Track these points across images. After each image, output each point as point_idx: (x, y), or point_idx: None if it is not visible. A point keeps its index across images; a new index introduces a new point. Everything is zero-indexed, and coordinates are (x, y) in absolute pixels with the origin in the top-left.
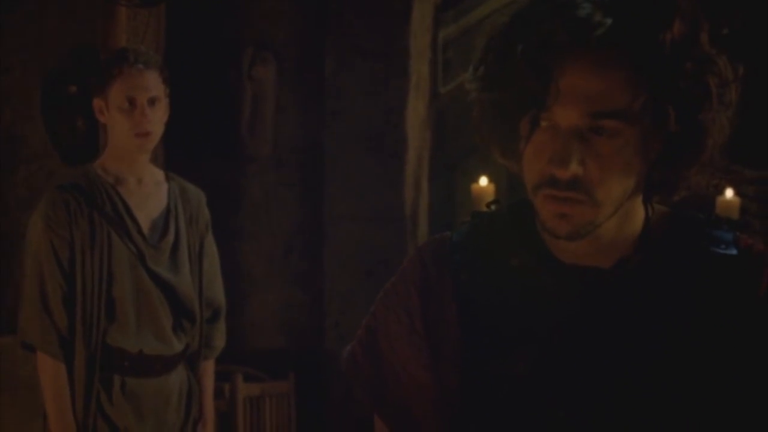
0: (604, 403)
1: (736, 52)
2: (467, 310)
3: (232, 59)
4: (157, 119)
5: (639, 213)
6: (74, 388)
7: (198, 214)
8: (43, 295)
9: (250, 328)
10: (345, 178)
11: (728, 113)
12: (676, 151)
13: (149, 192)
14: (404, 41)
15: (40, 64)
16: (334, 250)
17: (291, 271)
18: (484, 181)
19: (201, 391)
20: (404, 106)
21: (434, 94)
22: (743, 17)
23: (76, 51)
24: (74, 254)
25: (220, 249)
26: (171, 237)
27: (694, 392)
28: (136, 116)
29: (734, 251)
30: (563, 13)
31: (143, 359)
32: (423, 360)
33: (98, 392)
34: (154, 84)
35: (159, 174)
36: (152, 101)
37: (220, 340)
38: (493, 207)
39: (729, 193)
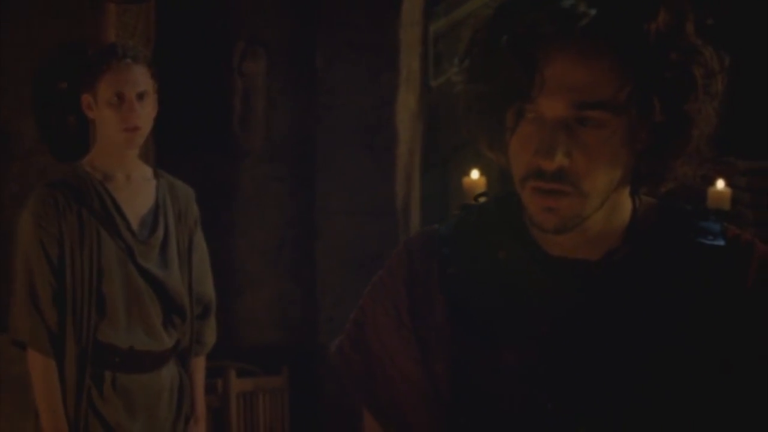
0: (593, 395)
1: (725, 43)
2: (455, 303)
3: (222, 54)
4: (146, 114)
5: (626, 205)
6: (65, 385)
7: (187, 211)
8: (32, 292)
9: (243, 323)
10: (337, 172)
11: (714, 104)
12: (662, 142)
13: (138, 188)
14: (394, 35)
15: (31, 61)
16: (326, 244)
17: (283, 266)
18: (475, 174)
19: (192, 387)
20: (395, 100)
21: (425, 88)
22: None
23: (66, 48)
24: (63, 251)
25: (212, 244)
26: (160, 233)
27: (683, 383)
28: (125, 111)
29: (722, 242)
30: (548, 4)
31: (134, 355)
32: (411, 353)
33: (89, 388)
34: (142, 79)
35: (147, 170)
36: (141, 96)
37: (210, 337)
38: (481, 200)
39: (720, 184)
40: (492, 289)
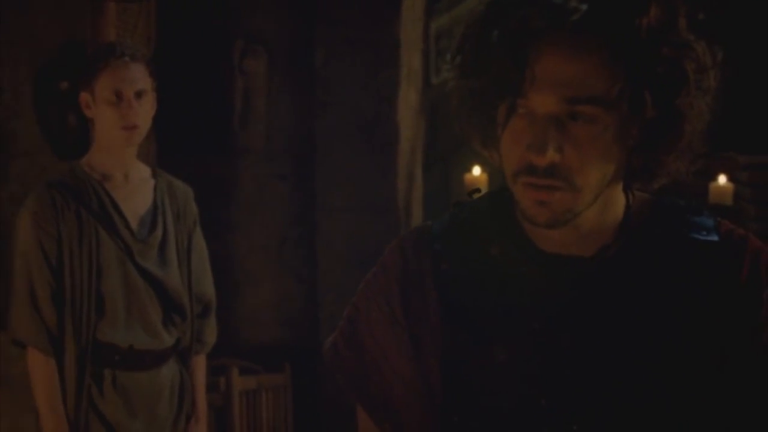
0: (586, 391)
1: (726, 39)
2: (447, 300)
3: (222, 52)
4: (144, 112)
5: (620, 201)
6: (65, 384)
7: (185, 210)
8: (31, 292)
9: (244, 321)
10: (338, 170)
11: (707, 99)
12: (654, 137)
13: (136, 188)
14: (394, 31)
15: (30, 60)
16: (327, 241)
17: (285, 264)
18: (477, 170)
19: (193, 386)
20: (396, 97)
21: (427, 85)
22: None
23: (66, 46)
24: (62, 250)
25: (213, 242)
26: (159, 232)
27: (678, 379)
28: (123, 109)
29: (715, 237)
30: (539, 0)
31: (133, 354)
32: (404, 350)
33: (89, 387)
34: (140, 77)
35: (146, 170)
36: (139, 94)
37: (211, 336)
38: (474, 196)
39: (722, 179)
40: (485, 286)
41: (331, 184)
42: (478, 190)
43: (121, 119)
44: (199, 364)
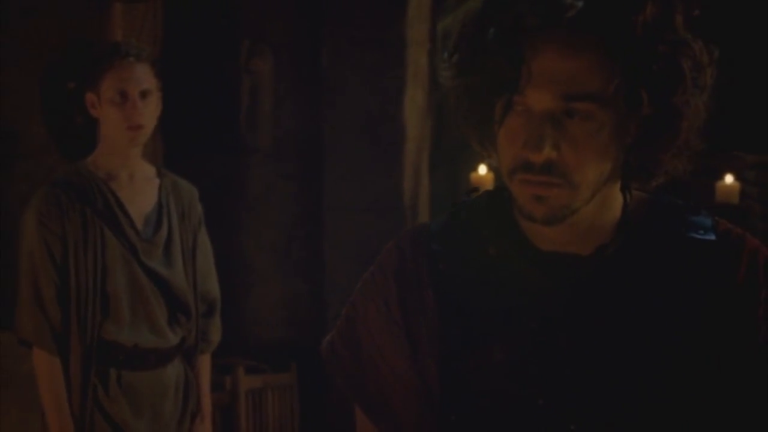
0: (584, 391)
1: (735, 39)
2: (445, 299)
3: (229, 52)
4: (149, 112)
5: (617, 199)
6: (70, 383)
7: (190, 210)
8: (36, 291)
9: (251, 321)
10: (344, 169)
11: (704, 97)
12: (651, 135)
13: (141, 187)
14: (400, 30)
15: (37, 60)
16: (334, 241)
17: (291, 263)
18: (482, 169)
19: (198, 385)
20: (402, 96)
21: (434, 84)
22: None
23: (73, 47)
24: (67, 250)
25: (220, 242)
26: (164, 232)
27: (675, 378)
28: (128, 109)
29: (712, 236)
30: None
31: (138, 352)
32: (401, 349)
33: (94, 386)
34: (145, 77)
35: (151, 169)
36: (144, 94)
37: (216, 335)
38: (473, 196)
39: (729, 178)
40: (482, 285)
41: (337, 183)
42: (476, 190)
43: (126, 119)
44: (204, 363)
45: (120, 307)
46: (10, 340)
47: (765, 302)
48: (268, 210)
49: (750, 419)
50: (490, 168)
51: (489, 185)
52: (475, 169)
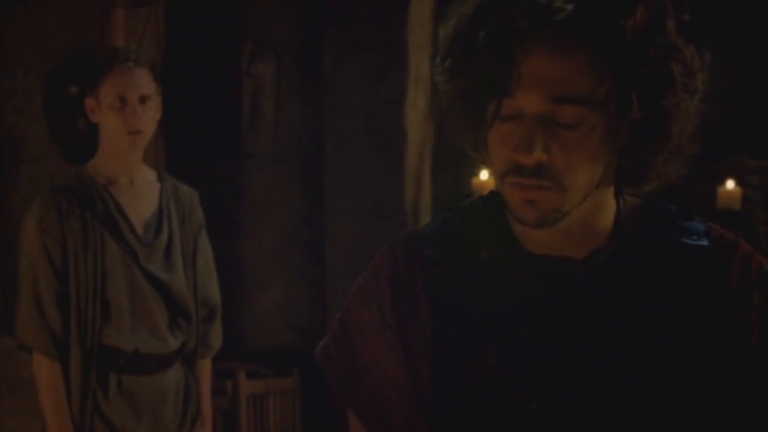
0: (577, 395)
1: (736, 43)
2: (438, 304)
3: (231, 56)
4: (148, 117)
5: (611, 205)
6: (70, 387)
7: (191, 214)
8: (36, 296)
9: (253, 325)
10: (346, 173)
11: (695, 101)
12: (641, 138)
13: (141, 192)
14: (401, 34)
15: (40, 66)
16: (335, 245)
17: (293, 267)
18: (484, 174)
19: (198, 389)
20: (403, 101)
21: (436, 88)
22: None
23: (75, 52)
24: (67, 254)
25: (221, 246)
26: (164, 236)
27: (668, 382)
28: (127, 114)
29: (705, 242)
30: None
31: (139, 357)
32: (395, 354)
33: (94, 391)
34: (144, 82)
35: (151, 174)
36: (143, 99)
37: (216, 339)
38: (467, 201)
39: (730, 183)
40: (475, 290)
41: (339, 187)
42: (470, 195)
43: (126, 124)
44: (205, 367)
45: (120, 311)
46: (12, 346)
47: (757, 308)
48: (269, 214)
49: (743, 424)
50: (492, 173)
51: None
52: (476, 174)
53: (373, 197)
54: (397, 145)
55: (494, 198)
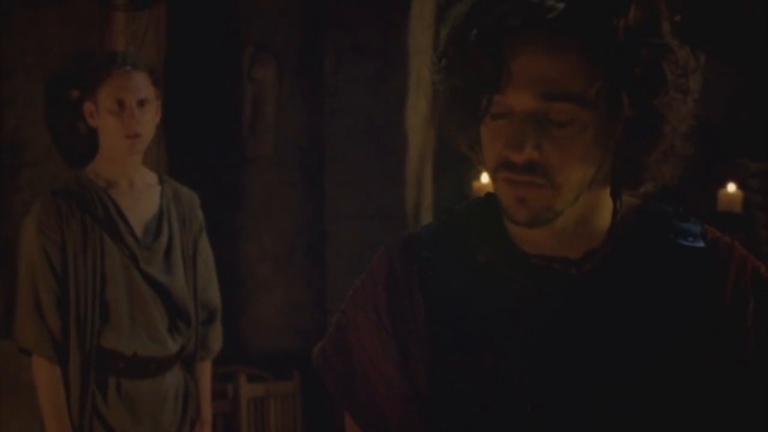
0: (572, 397)
1: (739, 47)
2: (434, 306)
3: (232, 60)
4: (147, 121)
5: (607, 205)
6: (69, 391)
7: (191, 217)
8: (35, 299)
9: (253, 329)
10: (346, 177)
11: (687, 101)
12: (634, 137)
13: (141, 194)
14: (402, 38)
15: (42, 69)
16: (336, 249)
17: (294, 271)
18: (485, 178)
19: (198, 392)
20: (404, 104)
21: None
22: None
23: (76, 55)
24: (66, 258)
25: (222, 249)
26: (164, 239)
27: (663, 384)
28: (126, 118)
29: (701, 244)
30: None
31: (138, 361)
32: (391, 356)
33: (93, 394)
34: (143, 85)
35: (151, 176)
36: (141, 103)
37: (216, 342)
38: (464, 203)
39: (731, 186)
40: (471, 292)
41: (340, 191)
42: (467, 197)
43: (124, 128)
44: (205, 370)
45: (119, 314)
46: (12, 349)
47: (753, 311)
48: (270, 218)
49: (739, 427)
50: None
51: None
52: (477, 177)
53: (374, 201)
54: (398, 149)
55: (491, 200)
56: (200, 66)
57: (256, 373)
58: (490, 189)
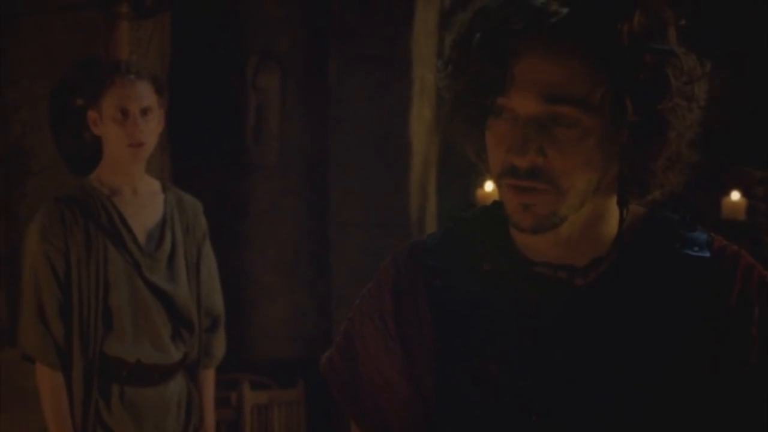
0: (577, 407)
1: (743, 56)
2: (440, 315)
3: (236, 68)
4: (150, 129)
5: (613, 213)
6: (73, 398)
7: (195, 224)
8: (39, 306)
9: (258, 336)
10: (350, 185)
11: (693, 107)
12: (639, 143)
13: (145, 202)
14: (406, 46)
15: (47, 77)
16: (340, 256)
17: (298, 279)
18: (489, 186)
19: (201, 400)
20: (408, 112)
21: (441, 100)
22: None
23: (81, 64)
24: (70, 265)
25: (227, 257)
26: (167, 246)
27: (668, 394)
28: (129, 126)
29: (707, 253)
30: (520, 2)
31: (141, 368)
32: (397, 364)
33: (97, 401)
34: (146, 94)
35: (155, 184)
36: (145, 111)
37: (219, 349)
38: (470, 211)
39: (735, 194)
40: (477, 301)
41: (344, 199)
42: (473, 205)
43: (127, 137)
44: (208, 378)
45: (122, 322)
46: (16, 356)
47: (758, 320)
48: (274, 226)
49: None
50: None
51: None
52: (481, 185)
53: (378, 208)
54: (402, 157)
55: (496, 208)
56: (204, 74)
57: (260, 381)
58: (494, 197)
